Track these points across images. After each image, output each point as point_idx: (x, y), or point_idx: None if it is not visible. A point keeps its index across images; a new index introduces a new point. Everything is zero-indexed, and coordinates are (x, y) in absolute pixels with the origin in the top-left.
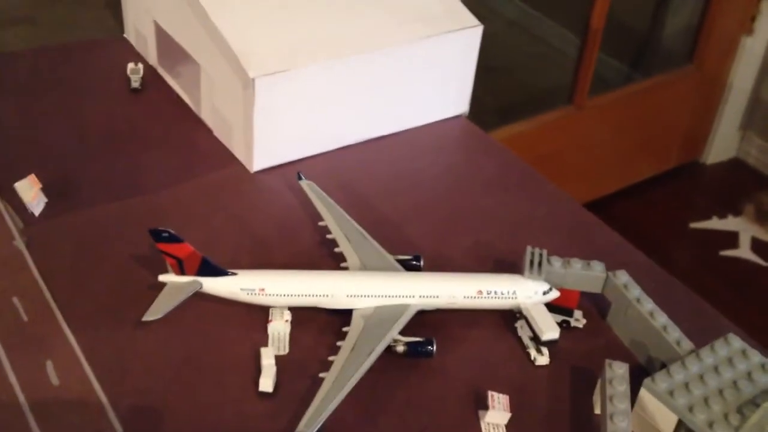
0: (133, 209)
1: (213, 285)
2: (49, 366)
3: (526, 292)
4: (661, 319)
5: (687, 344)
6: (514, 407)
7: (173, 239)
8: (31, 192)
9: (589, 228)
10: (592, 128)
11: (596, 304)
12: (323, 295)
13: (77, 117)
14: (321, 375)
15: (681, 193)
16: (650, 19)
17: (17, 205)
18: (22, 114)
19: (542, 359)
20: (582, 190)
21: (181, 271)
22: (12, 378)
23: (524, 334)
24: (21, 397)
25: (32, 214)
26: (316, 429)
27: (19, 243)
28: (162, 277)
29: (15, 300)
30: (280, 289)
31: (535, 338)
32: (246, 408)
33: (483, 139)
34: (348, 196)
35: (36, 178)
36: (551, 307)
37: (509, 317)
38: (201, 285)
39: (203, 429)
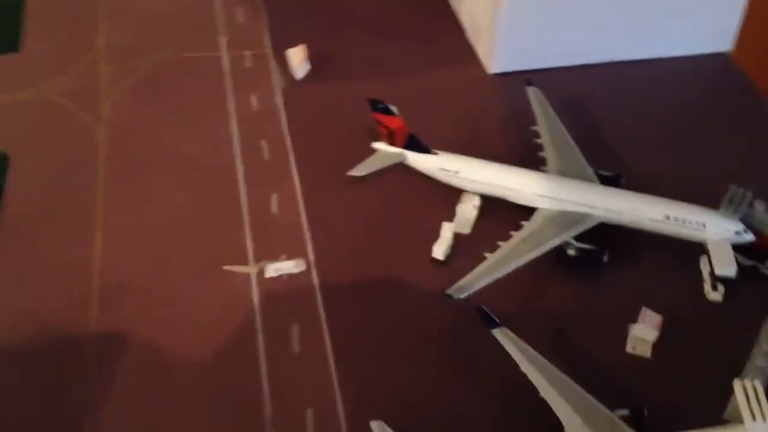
0: (376, 89)
1: (416, 159)
2: (274, 198)
3: (715, 227)
4: None
5: None
6: (666, 330)
7: (388, 111)
8: (298, 57)
9: None
10: None
11: None
12: (511, 189)
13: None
14: (485, 254)
15: None
16: None
17: (285, 69)
18: None
19: (715, 295)
20: None
21: (391, 142)
22: (243, 201)
23: (705, 268)
24: (246, 218)
25: (295, 77)
26: (463, 296)
27: (278, 99)
28: (375, 144)
29: (263, 143)
30: (473, 175)
31: (712, 273)
32: (416, 268)
33: (739, 82)
34: (572, 113)
35: (306, 48)
36: (745, 248)
37: (699, 251)
38: (406, 157)
39: (377, 276)
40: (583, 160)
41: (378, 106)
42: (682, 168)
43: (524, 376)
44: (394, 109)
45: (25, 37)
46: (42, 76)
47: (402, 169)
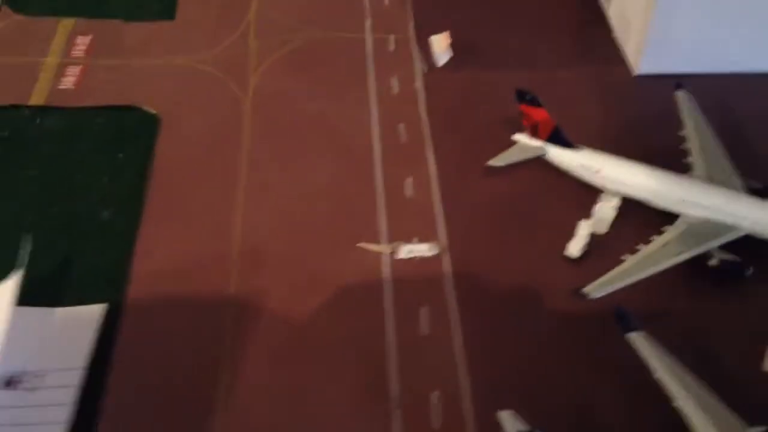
0: (516, 82)
1: (557, 154)
2: (409, 180)
3: None
4: None
5: None
6: None
7: (535, 102)
8: (441, 44)
9: None
10: None
11: None
12: (656, 192)
13: None
14: (624, 257)
15: None
16: None
17: (427, 55)
18: None
19: None
20: None
21: (534, 135)
22: (378, 183)
23: None
24: (381, 199)
25: (436, 63)
26: (598, 296)
27: (419, 84)
28: (516, 136)
29: (401, 126)
30: (616, 174)
31: None
32: (548, 262)
33: None
34: (721, 121)
35: (449, 35)
36: None
37: None
38: (546, 152)
39: (509, 267)
40: (731, 168)
41: (526, 97)
42: None
43: (656, 381)
44: (541, 100)
45: (181, 5)
46: (195, 44)
47: (540, 163)
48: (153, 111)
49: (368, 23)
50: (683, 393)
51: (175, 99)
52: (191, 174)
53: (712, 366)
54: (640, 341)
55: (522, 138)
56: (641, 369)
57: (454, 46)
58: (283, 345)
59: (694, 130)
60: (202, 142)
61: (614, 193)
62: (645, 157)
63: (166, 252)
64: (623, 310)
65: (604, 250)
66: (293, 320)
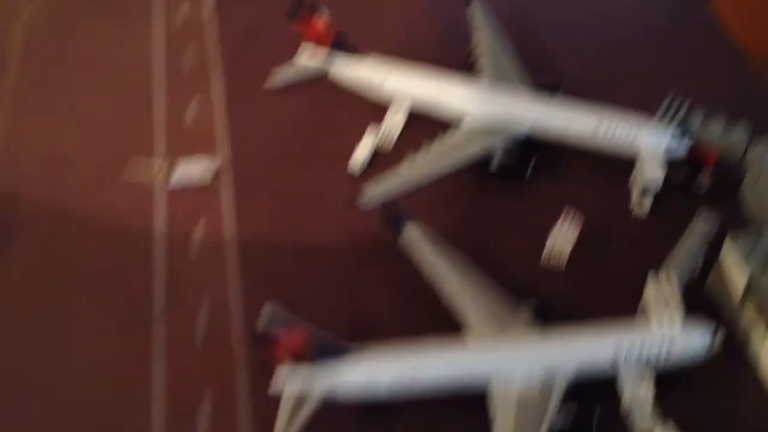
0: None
1: (342, 64)
2: (194, 102)
3: (647, 138)
4: None
5: None
6: (588, 240)
7: (311, 11)
8: None
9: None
10: None
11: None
12: (440, 95)
13: None
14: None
15: None
16: None
17: None
18: None
19: (640, 208)
20: None
21: (318, 44)
22: (159, 107)
23: (635, 182)
24: (160, 125)
25: None
26: (377, 201)
27: (210, 9)
28: (299, 51)
29: (189, 51)
30: (402, 79)
31: (640, 184)
32: (332, 178)
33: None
34: (521, 28)
35: None
36: (679, 161)
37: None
38: (330, 67)
39: (292, 185)
40: (520, 67)
41: (299, 11)
42: (625, 79)
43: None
44: (321, 8)
45: None
46: None
47: (329, 82)
48: None
49: None
50: (454, 278)
51: None
52: None
53: (496, 261)
54: (414, 232)
55: (305, 54)
56: (415, 275)
57: None
58: (46, 281)
59: (485, 38)
60: None
61: (400, 105)
62: (441, 64)
63: None
64: (391, 204)
65: (390, 165)
66: (54, 258)
